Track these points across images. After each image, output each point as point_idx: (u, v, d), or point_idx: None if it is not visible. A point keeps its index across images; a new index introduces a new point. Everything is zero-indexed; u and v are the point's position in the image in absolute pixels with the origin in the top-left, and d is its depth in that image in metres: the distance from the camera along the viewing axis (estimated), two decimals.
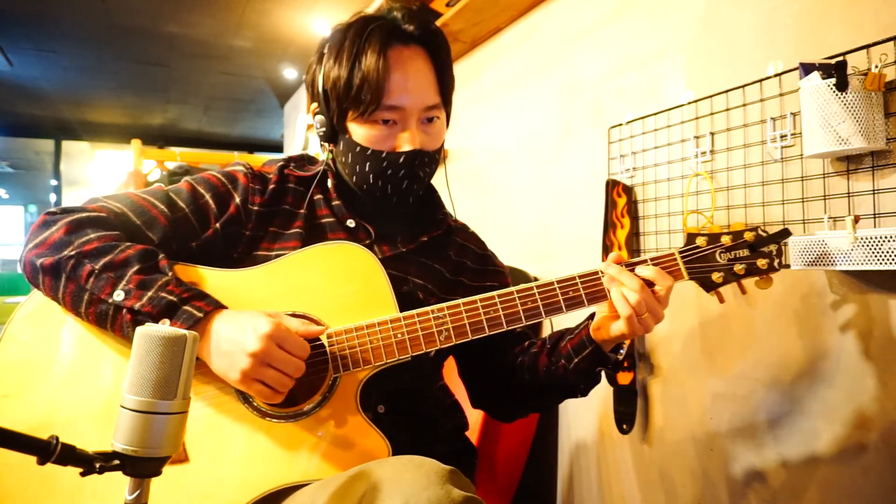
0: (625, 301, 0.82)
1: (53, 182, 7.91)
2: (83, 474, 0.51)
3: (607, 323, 0.87)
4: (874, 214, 0.98)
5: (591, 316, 0.92)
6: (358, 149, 0.89)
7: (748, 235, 0.85)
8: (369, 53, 0.86)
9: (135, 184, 3.78)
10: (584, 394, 0.98)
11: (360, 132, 0.89)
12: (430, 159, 0.92)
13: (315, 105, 0.94)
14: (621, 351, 0.92)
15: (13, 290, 8.12)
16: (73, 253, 0.78)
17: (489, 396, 1.07)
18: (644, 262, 0.86)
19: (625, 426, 1.47)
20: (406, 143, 0.89)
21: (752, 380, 1.21)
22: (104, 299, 0.77)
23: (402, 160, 0.89)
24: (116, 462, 0.52)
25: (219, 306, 0.79)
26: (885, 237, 0.88)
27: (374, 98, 0.86)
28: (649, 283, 0.83)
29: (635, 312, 0.81)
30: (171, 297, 0.76)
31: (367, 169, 0.90)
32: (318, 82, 0.92)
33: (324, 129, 0.92)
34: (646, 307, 0.81)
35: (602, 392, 1.60)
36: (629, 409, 1.46)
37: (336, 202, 0.96)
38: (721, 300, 0.88)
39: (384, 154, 0.89)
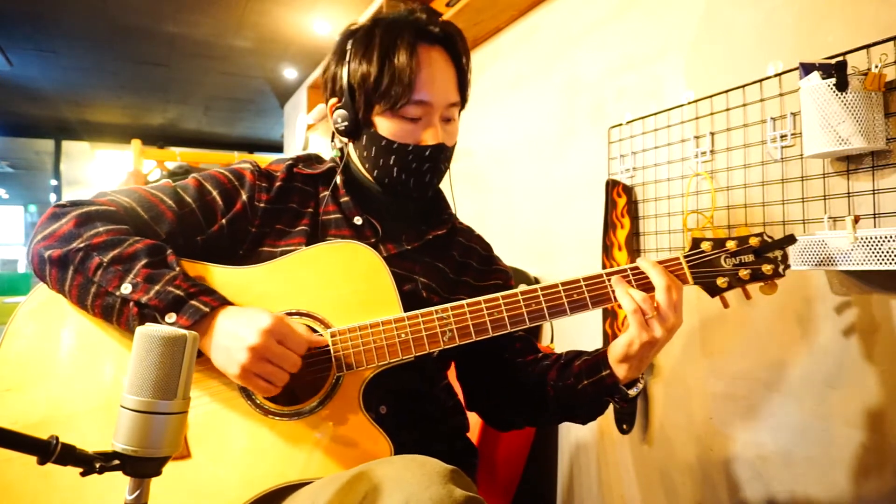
0: (629, 297, 0.82)
1: (53, 182, 7.91)
2: (83, 474, 0.51)
3: (619, 339, 0.85)
4: (874, 214, 0.98)
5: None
6: (384, 142, 0.91)
7: (753, 241, 0.85)
8: (401, 50, 0.89)
9: (135, 184, 3.79)
10: (584, 421, 0.96)
11: (386, 126, 0.91)
12: (449, 154, 0.97)
13: (335, 100, 0.96)
14: (636, 387, 0.89)
15: (13, 290, 8.12)
16: (81, 245, 0.79)
17: (487, 401, 1.06)
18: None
19: (625, 426, 1.47)
20: (431, 137, 0.91)
21: (752, 380, 1.21)
22: (111, 292, 0.77)
23: (427, 154, 0.92)
24: (116, 462, 0.52)
25: (224, 302, 0.80)
26: (885, 237, 0.88)
27: (404, 92, 0.88)
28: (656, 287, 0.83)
29: (640, 310, 0.81)
30: (177, 292, 0.76)
31: (391, 162, 0.92)
32: (340, 79, 0.93)
33: (346, 123, 0.94)
34: (650, 306, 0.81)
35: None
36: (629, 409, 1.46)
37: (345, 199, 0.97)
38: (725, 305, 0.88)
39: (410, 147, 0.91)
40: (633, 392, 0.88)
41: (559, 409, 0.95)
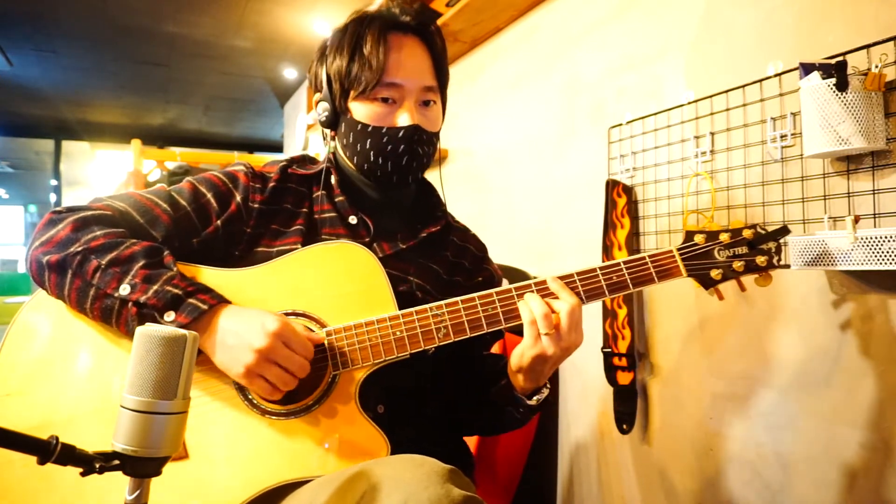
0: (528, 309, 0.82)
1: (53, 182, 7.91)
2: (83, 474, 0.51)
3: (515, 349, 0.85)
4: (874, 214, 0.98)
5: None
6: (359, 126, 0.92)
7: (747, 233, 0.85)
8: (369, 39, 0.91)
9: (135, 184, 3.78)
10: (489, 432, 1.01)
11: (361, 110, 0.92)
12: (428, 138, 0.95)
13: (318, 95, 0.98)
14: (538, 396, 0.89)
15: (13, 290, 8.12)
16: (79, 249, 0.79)
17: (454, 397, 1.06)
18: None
19: (625, 426, 1.47)
20: (404, 119, 0.92)
21: (752, 380, 1.21)
22: (110, 293, 0.77)
23: (401, 134, 0.91)
24: (116, 462, 0.52)
25: (223, 301, 0.80)
26: (885, 237, 0.88)
27: (373, 75, 0.90)
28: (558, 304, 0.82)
29: (535, 323, 0.81)
30: (175, 291, 0.77)
31: (367, 146, 0.93)
32: (321, 75, 0.97)
33: (326, 113, 0.96)
34: (547, 324, 0.80)
35: (602, 392, 1.60)
36: (629, 409, 1.46)
37: (339, 198, 0.97)
38: (720, 297, 0.88)
39: (384, 129, 0.92)
40: (532, 402, 0.89)
41: (481, 415, 0.99)
